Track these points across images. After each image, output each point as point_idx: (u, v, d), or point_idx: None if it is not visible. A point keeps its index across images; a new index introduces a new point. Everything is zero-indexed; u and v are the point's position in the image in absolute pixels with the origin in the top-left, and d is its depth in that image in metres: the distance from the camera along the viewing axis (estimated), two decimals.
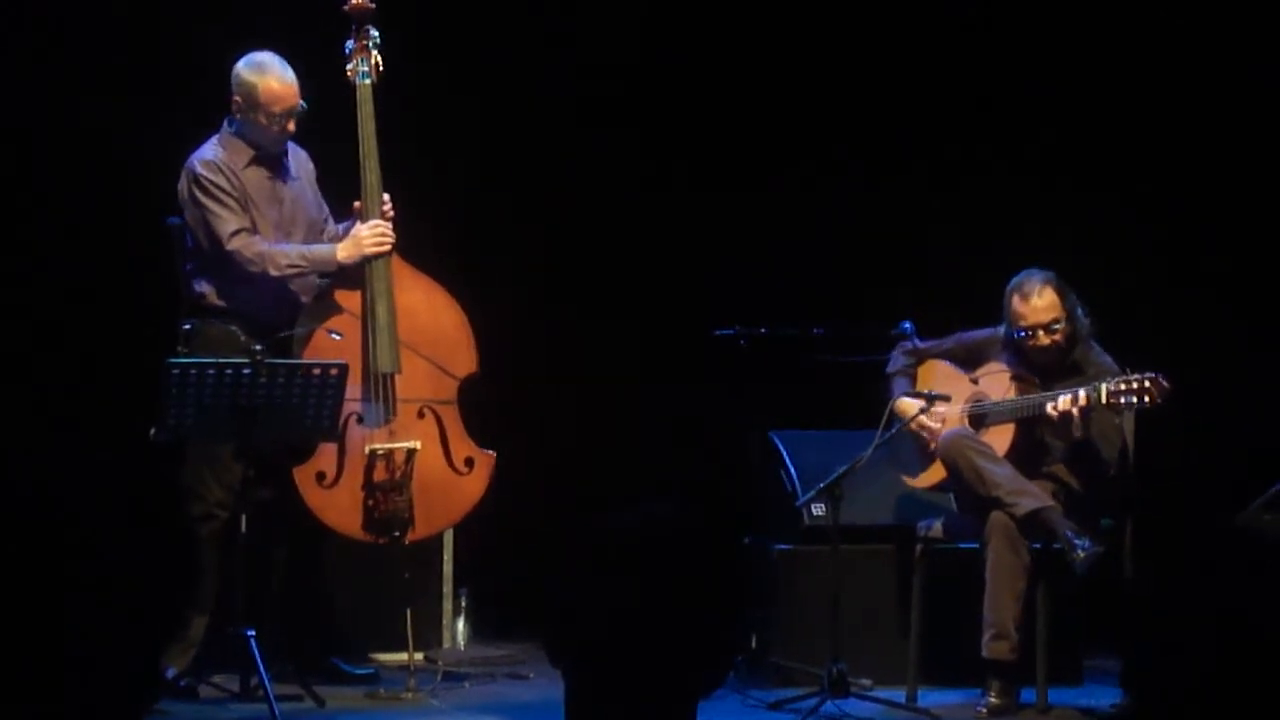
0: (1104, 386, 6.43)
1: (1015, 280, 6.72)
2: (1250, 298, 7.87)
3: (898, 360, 6.96)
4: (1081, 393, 6.46)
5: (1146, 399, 6.39)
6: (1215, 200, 8.01)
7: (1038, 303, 6.65)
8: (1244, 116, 8.01)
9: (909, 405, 6.78)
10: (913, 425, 6.76)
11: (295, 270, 6.77)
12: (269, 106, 6.73)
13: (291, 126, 6.78)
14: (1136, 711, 1.55)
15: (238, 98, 6.76)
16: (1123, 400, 6.42)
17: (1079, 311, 6.69)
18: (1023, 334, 6.68)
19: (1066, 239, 7.46)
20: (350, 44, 6.92)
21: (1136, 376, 6.41)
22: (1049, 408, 6.51)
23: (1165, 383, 6.39)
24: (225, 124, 6.83)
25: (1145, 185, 8.05)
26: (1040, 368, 6.74)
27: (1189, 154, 8.02)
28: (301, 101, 6.76)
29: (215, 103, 6.87)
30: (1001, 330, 6.82)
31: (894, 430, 6.73)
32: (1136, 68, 8.12)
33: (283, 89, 6.74)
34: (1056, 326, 6.66)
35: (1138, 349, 6.70)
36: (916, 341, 6.97)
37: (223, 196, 6.72)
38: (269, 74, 6.75)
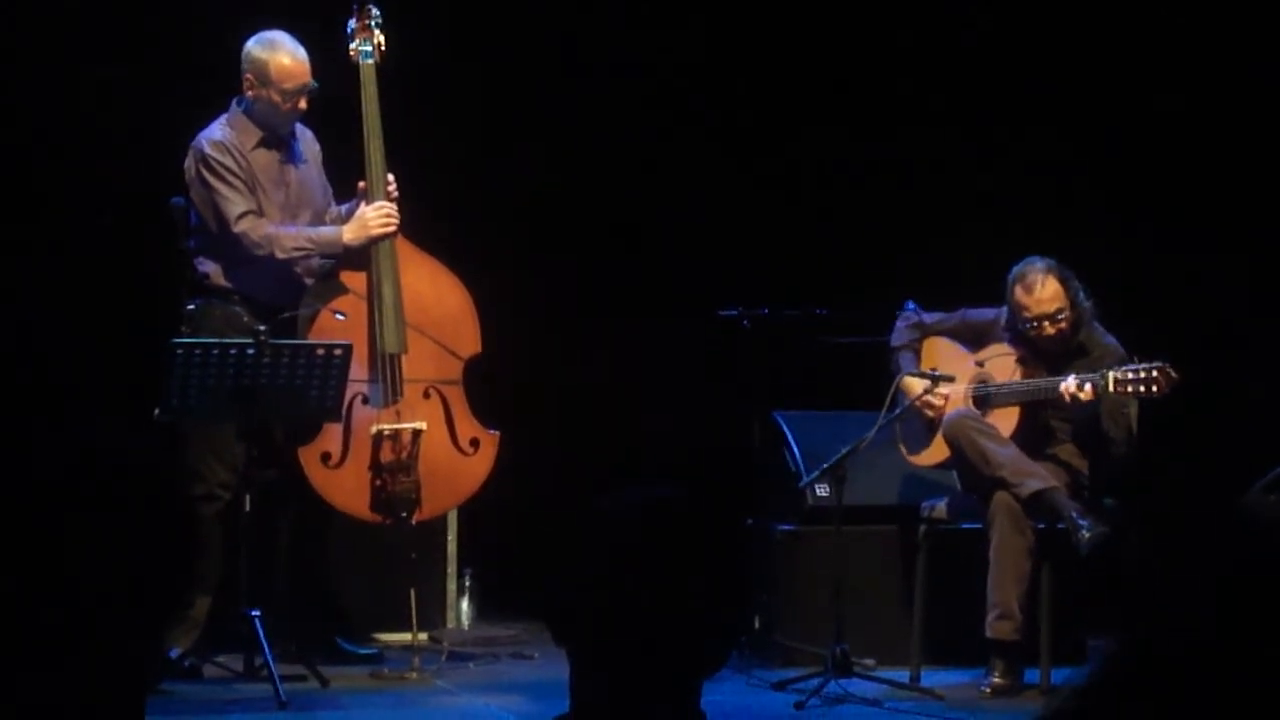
0: (1111, 374, 6.42)
1: (1016, 270, 6.69)
2: (1254, 279, 7.86)
3: (902, 334, 6.95)
4: (1089, 386, 6.45)
5: (1154, 389, 6.38)
6: (1216, 180, 8.00)
7: (1041, 294, 6.63)
8: (1247, 101, 7.99)
9: (915, 383, 6.79)
10: (917, 404, 6.76)
11: (302, 253, 6.77)
12: (281, 83, 6.71)
13: (303, 104, 6.76)
14: (1111, 685, 1.55)
15: (249, 75, 6.74)
16: (1129, 389, 6.41)
17: (1081, 296, 6.68)
18: (1028, 325, 6.66)
19: (1068, 219, 7.45)
20: (352, 24, 6.91)
21: (1144, 365, 6.40)
22: (1062, 388, 6.49)
23: (1173, 372, 6.37)
24: (234, 104, 6.81)
25: (1146, 165, 8.05)
26: (1046, 353, 6.73)
27: (1188, 135, 8.01)
28: (313, 80, 6.75)
29: (218, 83, 6.86)
30: (1005, 312, 6.82)
31: (900, 410, 6.73)
32: (1135, 50, 8.10)
33: (295, 65, 6.72)
34: (1061, 315, 6.64)
35: (1140, 331, 6.70)
36: (922, 315, 6.97)
37: (230, 178, 6.70)
38: (280, 51, 6.73)
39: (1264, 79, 7.93)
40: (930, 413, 6.79)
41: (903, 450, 7.00)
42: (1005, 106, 8.15)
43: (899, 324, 6.98)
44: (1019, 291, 6.66)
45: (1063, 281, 6.63)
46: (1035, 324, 6.65)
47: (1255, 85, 7.97)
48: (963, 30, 8.25)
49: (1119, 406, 6.63)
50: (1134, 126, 8.11)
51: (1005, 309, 6.81)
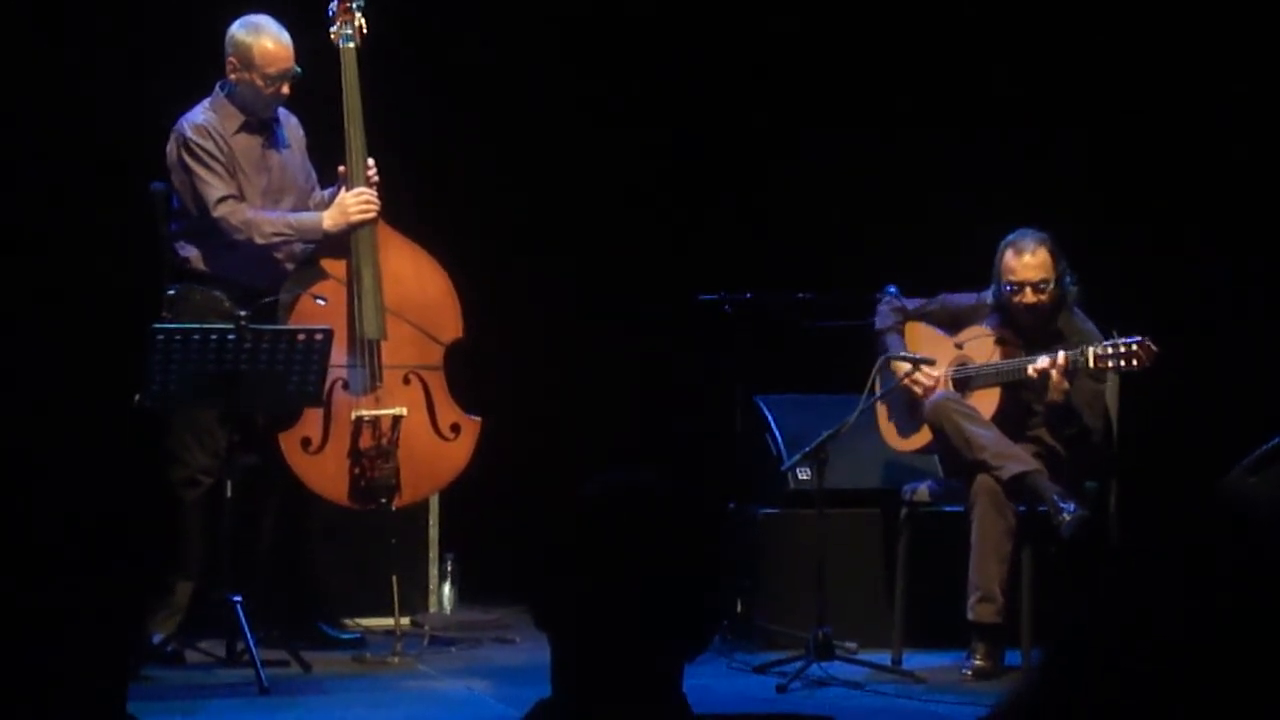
0: (1091, 350, 6.44)
1: (1010, 236, 6.74)
2: (1234, 260, 7.87)
3: (887, 316, 6.96)
4: (1061, 354, 6.48)
5: (1134, 363, 6.41)
6: (1199, 163, 8.00)
7: (1030, 260, 6.67)
8: (1230, 83, 8.00)
9: (900, 365, 6.79)
10: (906, 381, 6.76)
11: (281, 238, 6.76)
12: (264, 68, 6.70)
13: (286, 89, 6.75)
14: (1081, 668, 1.55)
15: (233, 59, 6.73)
16: (1110, 364, 6.44)
17: (1067, 279, 6.71)
18: (1010, 288, 6.69)
19: (1049, 204, 7.45)
20: (333, 7, 6.89)
21: (1124, 341, 6.43)
22: (1029, 368, 6.53)
23: (1154, 347, 6.40)
24: (217, 88, 6.80)
25: (1130, 149, 8.06)
26: (1024, 329, 6.75)
27: (1171, 119, 8.02)
28: (296, 66, 6.73)
29: (201, 66, 6.84)
30: (986, 295, 6.84)
31: (883, 391, 6.74)
32: (1120, 34, 8.11)
33: (278, 50, 6.71)
34: (1043, 286, 6.67)
35: (1121, 312, 6.71)
36: (902, 301, 6.98)
37: (211, 162, 6.69)
38: (264, 35, 6.72)
39: (1246, 70, 7.94)
40: (919, 391, 6.79)
41: (887, 435, 7.00)
42: (985, 93, 8.14)
43: (881, 307, 6.99)
44: (1009, 254, 6.70)
45: (1053, 256, 6.69)
46: (1017, 288, 6.68)
47: (1245, 79, 7.98)
48: (941, 19, 8.25)
49: (1092, 390, 6.65)
50: (1117, 114, 8.12)
51: (986, 292, 6.83)
